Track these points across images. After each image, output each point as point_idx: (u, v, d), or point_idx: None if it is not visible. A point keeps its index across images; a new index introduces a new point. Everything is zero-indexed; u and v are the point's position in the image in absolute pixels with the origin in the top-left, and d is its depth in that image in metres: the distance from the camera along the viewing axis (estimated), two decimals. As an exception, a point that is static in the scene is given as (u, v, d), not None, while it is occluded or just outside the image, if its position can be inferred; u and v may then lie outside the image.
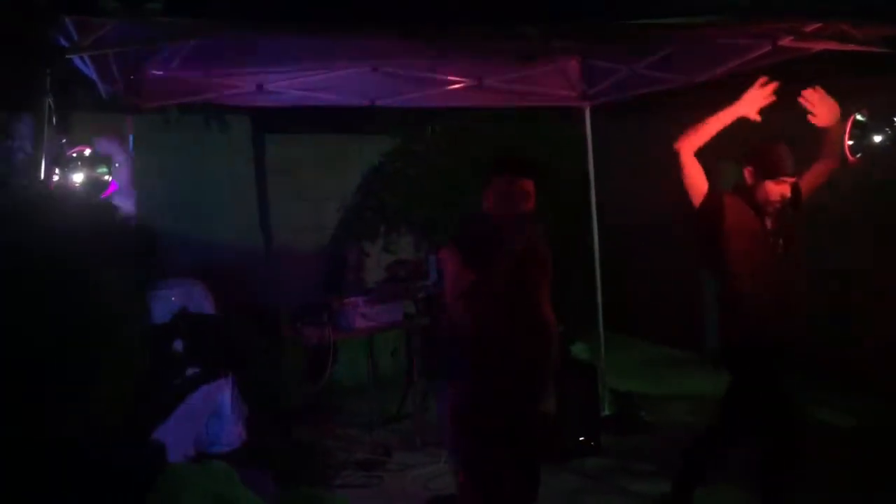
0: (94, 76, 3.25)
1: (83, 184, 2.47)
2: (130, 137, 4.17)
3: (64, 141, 2.47)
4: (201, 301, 4.40)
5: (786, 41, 3.27)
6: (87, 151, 2.57)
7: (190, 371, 2.33)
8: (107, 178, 2.57)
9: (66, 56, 2.37)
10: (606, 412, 5.46)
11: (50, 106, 2.14)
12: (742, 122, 3.31)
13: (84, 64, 2.97)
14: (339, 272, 6.32)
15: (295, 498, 1.01)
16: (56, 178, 2.38)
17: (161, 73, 3.95)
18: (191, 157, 5.59)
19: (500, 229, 2.94)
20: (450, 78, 4.71)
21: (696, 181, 3.39)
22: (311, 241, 6.26)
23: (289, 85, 4.43)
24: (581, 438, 4.90)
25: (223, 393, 4.39)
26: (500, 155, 3.69)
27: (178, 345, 2.05)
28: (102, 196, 2.66)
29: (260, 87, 4.36)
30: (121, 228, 0.87)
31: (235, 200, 5.83)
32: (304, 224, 6.23)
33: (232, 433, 4.42)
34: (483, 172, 3.11)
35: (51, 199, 0.87)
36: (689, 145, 3.32)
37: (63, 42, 2.36)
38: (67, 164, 2.44)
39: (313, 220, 6.33)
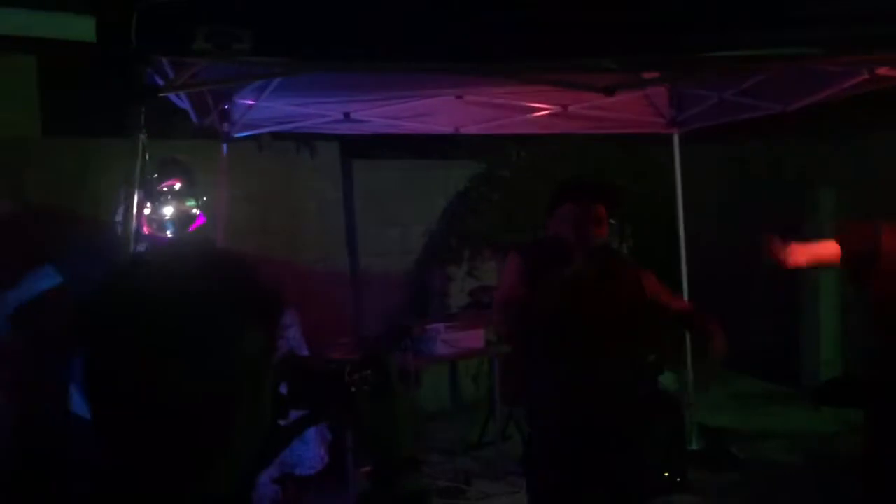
0: (188, 108, 3.38)
1: (172, 217, 2.56)
2: (224, 162, 4.30)
3: (155, 175, 2.57)
4: (288, 326, 4.49)
5: (883, 70, 3.13)
6: (178, 185, 2.66)
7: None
8: (195, 211, 2.65)
9: (161, 94, 2.46)
10: (694, 447, 5.28)
11: (143, 142, 2.22)
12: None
13: (178, 98, 3.09)
14: (424, 297, 6.36)
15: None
16: (147, 211, 2.48)
17: (251, 102, 4.07)
18: (280, 182, 5.73)
19: (566, 254, 2.78)
20: (534, 105, 4.68)
21: (825, 255, 3.08)
22: (397, 265, 6.31)
23: (374, 113, 4.49)
24: (666, 474, 4.75)
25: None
26: (569, 179, 3.49)
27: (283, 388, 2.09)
28: (190, 229, 2.76)
29: (346, 115, 4.44)
30: (259, 287, 0.90)
31: (323, 224, 5.94)
32: (390, 248, 6.29)
33: (315, 456, 4.48)
34: (552, 195, 2.96)
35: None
36: (794, 262, 3.05)
37: (158, 80, 2.46)
38: (158, 198, 2.53)
39: (399, 244, 6.39)
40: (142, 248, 2.50)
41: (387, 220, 6.29)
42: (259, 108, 4.16)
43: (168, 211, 2.63)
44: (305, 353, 4.48)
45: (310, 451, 4.46)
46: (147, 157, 2.23)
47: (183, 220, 2.69)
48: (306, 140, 5.76)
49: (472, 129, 4.93)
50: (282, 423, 1.06)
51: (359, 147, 6.07)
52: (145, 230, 2.67)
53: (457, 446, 5.73)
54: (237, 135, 4.37)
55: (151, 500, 0.87)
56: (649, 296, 2.92)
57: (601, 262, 2.81)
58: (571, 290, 2.72)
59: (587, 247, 2.76)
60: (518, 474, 5.12)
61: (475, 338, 5.20)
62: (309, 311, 4.82)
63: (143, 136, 2.20)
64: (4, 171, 4.65)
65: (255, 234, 5.11)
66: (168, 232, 2.74)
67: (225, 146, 4.32)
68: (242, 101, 4.12)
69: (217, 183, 4.12)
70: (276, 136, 5.22)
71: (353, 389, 1.12)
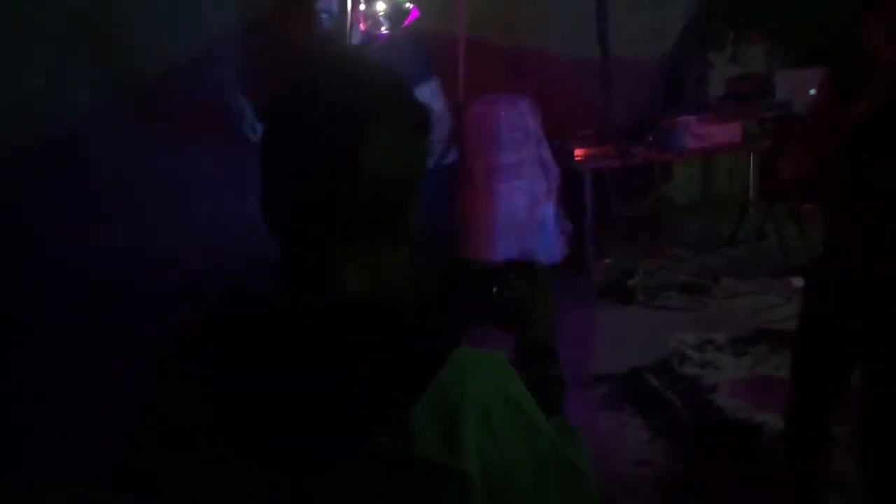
0: None
1: (386, 12, 2.53)
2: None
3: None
4: (528, 117, 4.45)
5: None
6: None
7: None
8: (408, 5, 2.60)
9: None
10: None
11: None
12: None
13: None
14: (679, 87, 5.94)
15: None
16: (362, 6, 2.47)
17: None
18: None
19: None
20: None
21: None
22: (651, 52, 5.88)
23: None
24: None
25: (547, 207, 4.50)
26: None
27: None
28: (405, 24, 2.73)
29: None
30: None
31: (570, 9, 5.63)
32: (644, 34, 5.84)
33: (554, 246, 4.56)
34: None
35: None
36: None
37: None
38: (371, -7, 2.51)
39: (653, 28, 5.90)
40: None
41: (640, 1, 5.80)
42: None
43: (381, 6, 2.61)
44: (545, 146, 4.44)
45: (549, 242, 4.54)
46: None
47: (396, 15, 2.67)
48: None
49: None
50: None
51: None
52: (361, 27, 2.69)
53: (706, 242, 5.54)
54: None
55: None
56: None
57: None
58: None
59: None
60: (771, 275, 4.89)
61: (731, 131, 4.81)
62: (552, 102, 4.72)
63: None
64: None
65: (498, 24, 4.97)
66: (383, 28, 2.75)
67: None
68: None
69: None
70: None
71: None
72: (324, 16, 2.61)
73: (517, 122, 4.48)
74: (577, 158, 4.59)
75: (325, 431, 0.82)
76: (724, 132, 4.78)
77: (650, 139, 4.55)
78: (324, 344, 0.84)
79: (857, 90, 2.08)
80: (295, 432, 0.82)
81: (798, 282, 4.65)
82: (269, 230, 0.88)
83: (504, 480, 0.80)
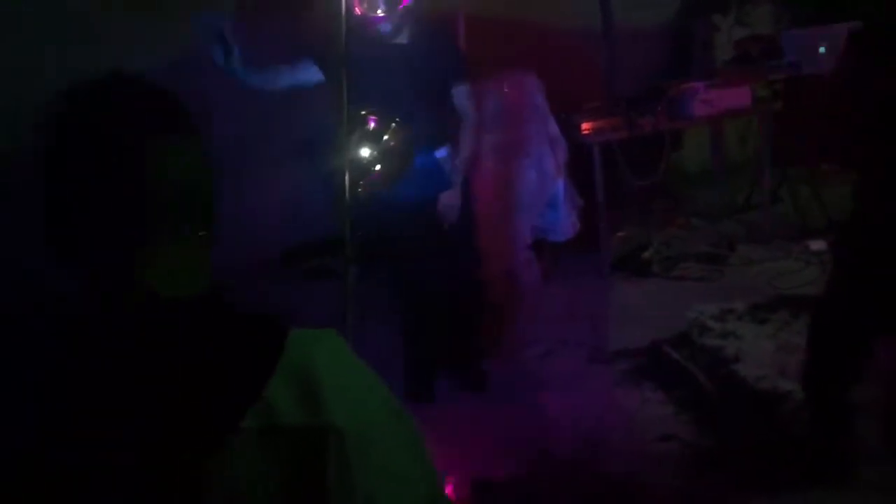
0: None
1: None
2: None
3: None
4: (533, 93, 4.38)
5: None
6: None
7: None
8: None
9: None
10: None
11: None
12: None
13: None
14: (685, 51, 5.83)
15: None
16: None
17: None
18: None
19: None
20: None
21: None
22: (652, 16, 5.75)
23: None
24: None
25: (557, 184, 4.44)
26: None
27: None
28: (400, 7, 2.67)
29: None
30: None
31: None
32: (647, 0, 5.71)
33: (566, 223, 4.51)
34: None
35: None
36: None
37: None
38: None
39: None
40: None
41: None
42: None
43: None
44: (552, 121, 4.37)
45: (561, 219, 4.49)
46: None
47: (392, -3, 2.61)
48: None
49: None
50: None
51: None
52: (357, 10, 2.63)
53: (720, 210, 5.46)
54: None
55: None
56: None
57: None
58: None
59: None
60: (788, 238, 4.81)
61: (741, 95, 4.71)
62: (556, 75, 4.63)
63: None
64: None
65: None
66: (379, 10, 2.68)
67: None
68: None
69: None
70: None
71: None
72: None
73: (522, 99, 4.41)
74: (584, 132, 4.52)
75: (179, 429, 0.86)
76: (734, 96, 4.68)
77: (658, 108, 4.46)
78: (147, 348, 0.88)
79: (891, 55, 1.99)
80: (147, 436, 0.86)
81: (816, 244, 4.58)
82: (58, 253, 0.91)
83: (360, 429, 0.90)
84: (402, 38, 2.99)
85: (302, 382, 0.89)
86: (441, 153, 3.23)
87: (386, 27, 2.88)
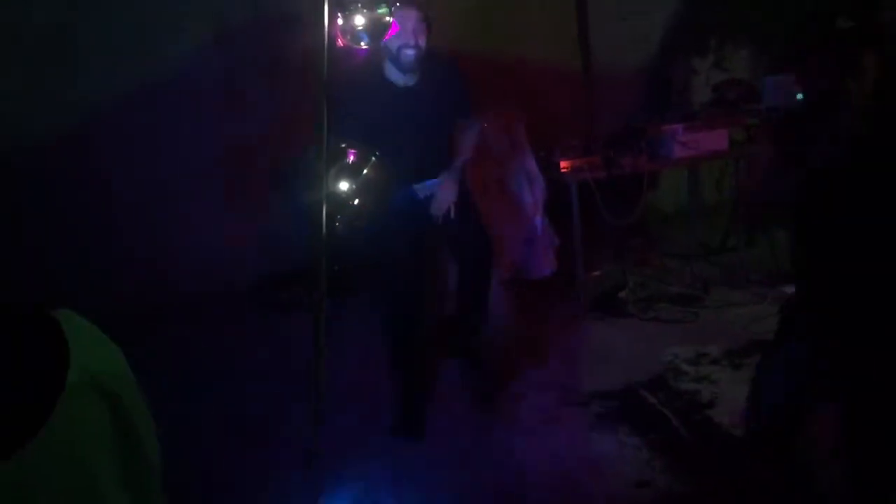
0: None
1: (364, 26, 2.45)
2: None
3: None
4: (512, 130, 4.38)
5: None
6: None
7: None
8: (388, 19, 2.52)
9: None
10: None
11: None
12: None
13: None
14: (663, 93, 5.89)
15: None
16: (340, 21, 2.39)
17: None
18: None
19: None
20: None
21: None
22: (633, 59, 5.82)
23: None
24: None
25: (535, 221, 4.42)
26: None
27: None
28: (385, 38, 2.65)
29: None
30: None
31: (551, 19, 5.57)
32: (626, 41, 5.78)
33: (543, 260, 4.48)
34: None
35: None
36: None
37: None
38: (348, 8, 2.42)
39: (636, 34, 5.85)
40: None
41: (621, 7, 5.74)
42: None
43: (359, 21, 2.52)
44: (531, 158, 4.37)
45: (538, 255, 4.46)
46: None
47: (376, 29, 2.59)
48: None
49: None
50: None
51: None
52: (339, 42, 2.60)
53: (695, 251, 5.47)
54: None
55: None
56: None
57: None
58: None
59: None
60: (763, 283, 4.82)
61: (718, 138, 4.75)
62: (536, 113, 4.64)
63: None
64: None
65: (477, 33, 4.89)
66: (363, 43, 2.66)
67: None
68: None
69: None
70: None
71: None
72: None
73: (502, 135, 4.41)
74: (563, 170, 4.51)
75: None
76: (712, 139, 4.71)
77: (638, 149, 4.47)
78: None
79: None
80: None
81: (791, 289, 4.57)
82: None
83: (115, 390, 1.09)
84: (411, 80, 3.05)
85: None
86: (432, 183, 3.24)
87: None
